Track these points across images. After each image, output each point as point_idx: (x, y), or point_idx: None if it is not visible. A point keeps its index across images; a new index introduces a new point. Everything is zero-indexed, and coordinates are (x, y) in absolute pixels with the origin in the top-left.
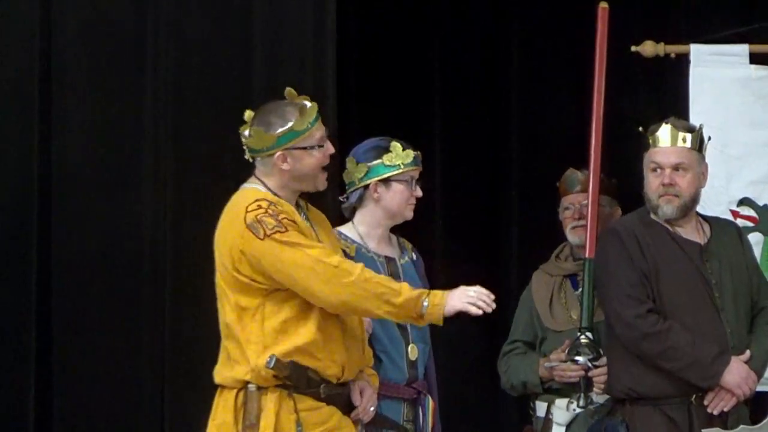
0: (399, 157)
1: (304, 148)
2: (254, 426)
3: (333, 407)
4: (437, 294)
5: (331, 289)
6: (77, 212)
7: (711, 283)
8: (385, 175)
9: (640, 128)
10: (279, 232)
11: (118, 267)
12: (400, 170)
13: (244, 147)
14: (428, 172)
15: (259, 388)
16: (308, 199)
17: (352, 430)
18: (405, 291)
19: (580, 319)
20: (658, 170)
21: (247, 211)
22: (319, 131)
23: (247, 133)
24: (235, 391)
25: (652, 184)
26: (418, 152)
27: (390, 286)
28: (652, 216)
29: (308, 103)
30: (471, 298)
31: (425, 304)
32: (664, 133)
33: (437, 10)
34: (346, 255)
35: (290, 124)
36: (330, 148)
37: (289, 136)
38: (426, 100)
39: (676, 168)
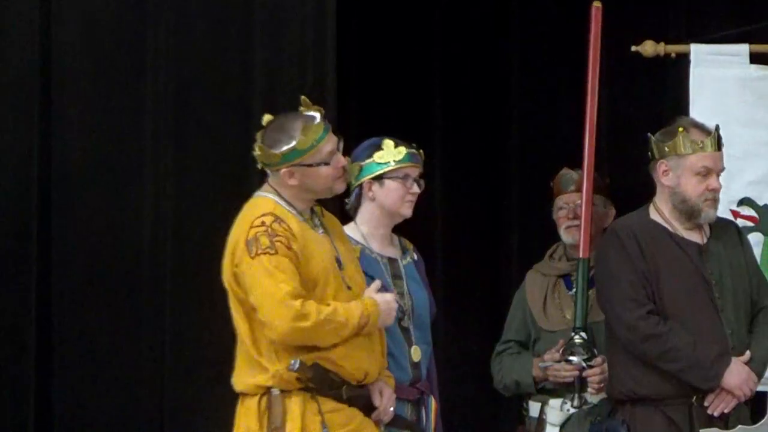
0: (390, 154)
1: (310, 165)
2: (279, 429)
3: (355, 408)
4: (374, 312)
5: (285, 329)
6: (77, 212)
7: (711, 284)
8: (377, 173)
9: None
10: (268, 254)
11: (118, 267)
12: (391, 167)
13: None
14: (428, 172)
15: (282, 391)
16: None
17: (374, 431)
18: (350, 322)
19: (574, 319)
20: (707, 174)
21: (251, 227)
22: (328, 145)
23: (256, 145)
24: (257, 397)
25: (697, 187)
26: (414, 150)
27: (339, 321)
28: (652, 216)
29: (317, 117)
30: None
31: (366, 322)
32: (712, 137)
33: (437, 10)
34: None
35: (293, 143)
36: (341, 161)
37: (293, 155)
38: (426, 100)
39: (719, 173)
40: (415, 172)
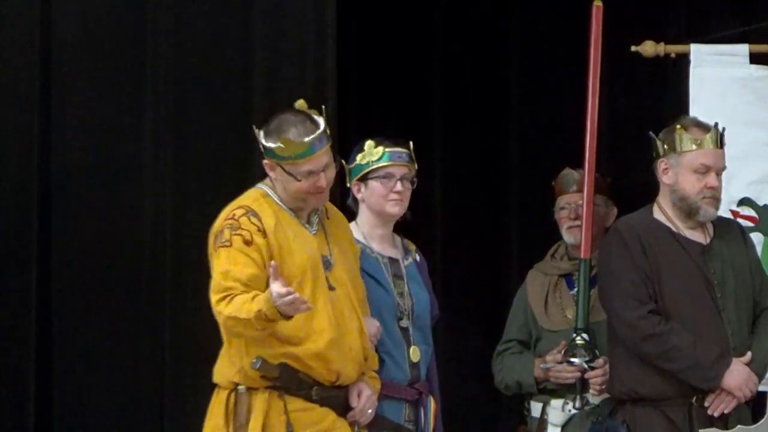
0: (370, 154)
1: (285, 171)
2: (243, 427)
3: (327, 408)
4: (266, 308)
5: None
6: (77, 212)
7: (713, 284)
8: (361, 174)
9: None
10: (224, 246)
11: (117, 267)
12: (371, 167)
13: None
14: (428, 172)
15: (248, 389)
16: None
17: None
18: (249, 315)
19: (576, 320)
20: (706, 172)
21: (225, 219)
22: (307, 165)
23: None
24: (227, 391)
25: (695, 185)
26: (400, 148)
27: (242, 318)
28: (655, 215)
29: (314, 133)
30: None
31: (269, 316)
32: (712, 135)
33: (438, 10)
34: None
35: (274, 145)
36: (320, 181)
37: (271, 154)
38: (426, 100)
39: (718, 171)
40: (400, 170)
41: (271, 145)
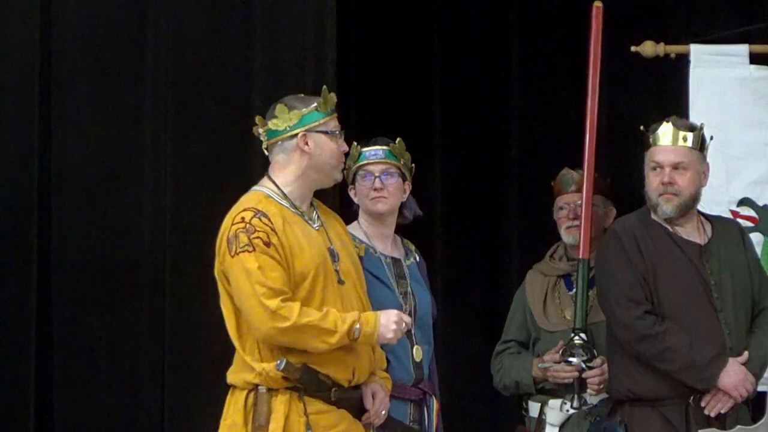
0: (353, 157)
1: (326, 132)
2: (263, 427)
3: (344, 411)
4: (370, 323)
5: (266, 330)
6: (77, 212)
7: (710, 284)
8: (351, 177)
9: (642, 127)
10: (246, 251)
11: (118, 267)
12: (353, 169)
13: (263, 136)
14: (428, 172)
15: (269, 389)
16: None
17: None
18: (339, 329)
19: (574, 319)
20: (658, 169)
21: (232, 223)
22: (334, 121)
23: (261, 130)
24: (245, 391)
25: (652, 182)
26: (377, 146)
27: (325, 328)
28: (652, 216)
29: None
30: (397, 333)
31: (356, 335)
32: (664, 132)
33: (437, 10)
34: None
35: (314, 105)
36: (344, 144)
37: (313, 116)
38: (426, 100)
39: (675, 167)
40: (377, 167)
41: (309, 107)
